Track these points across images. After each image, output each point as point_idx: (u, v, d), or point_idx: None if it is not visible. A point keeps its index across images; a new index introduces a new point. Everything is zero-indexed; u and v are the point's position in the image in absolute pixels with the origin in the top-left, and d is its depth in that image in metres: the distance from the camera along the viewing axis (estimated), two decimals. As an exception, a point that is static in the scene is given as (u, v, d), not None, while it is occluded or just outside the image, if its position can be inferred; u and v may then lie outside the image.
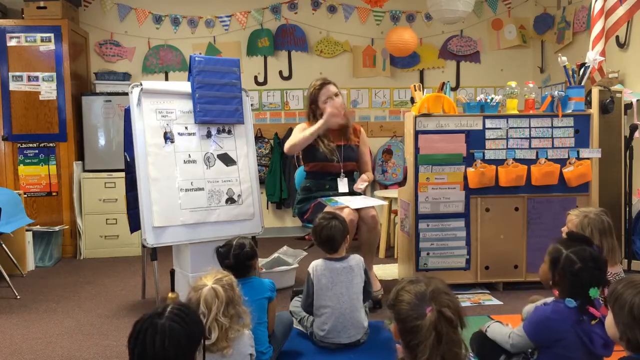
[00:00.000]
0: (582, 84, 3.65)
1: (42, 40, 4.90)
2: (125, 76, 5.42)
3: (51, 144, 4.95)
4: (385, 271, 4.17)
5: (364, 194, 3.69)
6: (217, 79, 3.50)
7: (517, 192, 3.58)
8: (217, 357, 1.97)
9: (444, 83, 3.82)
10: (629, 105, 4.01)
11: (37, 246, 4.65)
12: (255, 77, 5.81)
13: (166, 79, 5.69)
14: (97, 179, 4.97)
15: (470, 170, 3.53)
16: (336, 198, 3.42)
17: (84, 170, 5.06)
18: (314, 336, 2.74)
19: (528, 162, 3.56)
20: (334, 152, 3.56)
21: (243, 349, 2.07)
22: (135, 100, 3.30)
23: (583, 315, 1.91)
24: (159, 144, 3.31)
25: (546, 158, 3.57)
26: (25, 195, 4.85)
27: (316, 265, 2.74)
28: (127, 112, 3.38)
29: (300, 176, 3.96)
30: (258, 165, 4.16)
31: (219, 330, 1.96)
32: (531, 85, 3.70)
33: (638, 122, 3.97)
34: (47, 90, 4.92)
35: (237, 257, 2.44)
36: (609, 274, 2.27)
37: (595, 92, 3.73)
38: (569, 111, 3.59)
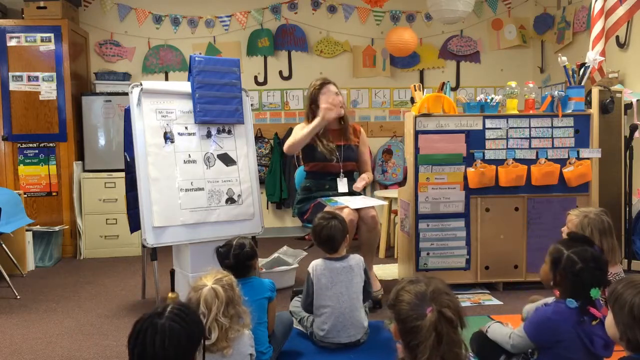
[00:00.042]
0: (582, 84, 3.65)
1: (42, 40, 4.90)
2: (125, 76, 5.42)
3: (51, 144, 4.95)
4: (385, 271, 4.17)
5: (363, 194, 3.69)
6: (217, 79, 3.50)
7: (517, 192, 3.58)
8: (217, 357, 1.97)
9: (444, 83, 3.82)
10: (629, 105, 4.01)
11: (37, 246, 4.65)
12: (255, 77, 5.81)
13: (166, 79, 5.69)
14: (97, 179, 4.97)
15: (470, 170, 3.53)
16: (336, 198, 3.42)
17: (84, 170, 5.06)
18: (314, 336, 2.74)
19: (528, 162, 3.56)
20: (334, 152, 3.56)
21: (243, 349, 2.07)
22: (135, 100, 3.30)
23: (584, 316, 1.91)
24: (159, 144, 3.31)
25: (546, 158, 3.57)
26: (25, 195, 4.84)
27: (316, 265, 2.74)
28: (127, 112, 3.38)
29: (300, 176, 3.96)
30: (258, 165, 4.16)
31: (219, 330, 1.96)
32: (531, 85, 3.70)
33: (638, 122, 3.97)
34: (47, 90, 4.92)
35: (237, 257, 2.44)
36: (609, 274, 2.26)
37: (595, 92, 3.73)
38: (569, 111, 3.59)
